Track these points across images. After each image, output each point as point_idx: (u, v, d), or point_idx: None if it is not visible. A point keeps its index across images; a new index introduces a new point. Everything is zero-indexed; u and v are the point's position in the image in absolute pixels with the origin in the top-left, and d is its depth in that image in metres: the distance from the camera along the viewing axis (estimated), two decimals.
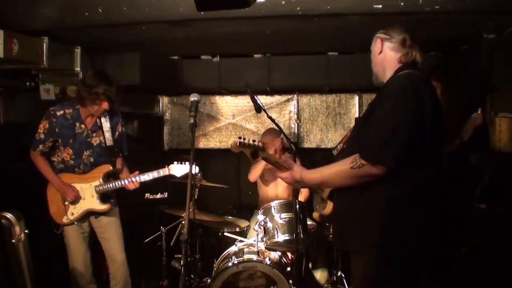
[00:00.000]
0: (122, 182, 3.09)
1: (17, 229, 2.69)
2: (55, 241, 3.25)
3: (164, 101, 4.87)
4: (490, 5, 2.61)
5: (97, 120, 3.12)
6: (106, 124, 3.13)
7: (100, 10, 2.65)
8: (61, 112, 3.04)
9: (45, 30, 3.10)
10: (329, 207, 2.18)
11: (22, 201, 3.04)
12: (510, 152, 3.41)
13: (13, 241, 2.67)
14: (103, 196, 3.13)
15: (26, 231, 2.73)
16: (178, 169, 3.14)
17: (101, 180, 3.10)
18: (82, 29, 3.08)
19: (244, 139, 2.05)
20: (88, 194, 3.10)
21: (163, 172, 3.11)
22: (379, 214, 1.85)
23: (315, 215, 2.34)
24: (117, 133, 3.23)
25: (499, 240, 3.07)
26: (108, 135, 3.12)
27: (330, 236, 3.56)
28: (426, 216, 1.88)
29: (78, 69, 3.62)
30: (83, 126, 3.08)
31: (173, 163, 3.14)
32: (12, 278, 2.69)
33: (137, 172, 3.12)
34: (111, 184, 3.09)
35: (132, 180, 3.08)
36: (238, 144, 2.03)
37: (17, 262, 2.69)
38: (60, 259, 3.28)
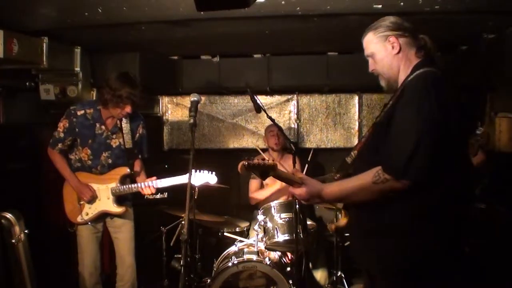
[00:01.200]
0: (139, 186, 3.06)
1: (17, 229, 2.70)
2: (55, 241, 3.25)
3: (164, 101, 4.87)
4: (490, 5, 2.61)
5: (118, 121, 3.10)
6: (126, 126, 3.10)
7: (100, 10, 2.64)
8: (82, 112, 3.02)
9: (45, 30, 3.10)
10: (343, 218, 2.08)
11: (22, 201, 3.04)
12: (510, 152, 3.41)
13: (13, 241, 2.67)
14: (119, 199, 3.11)
15: (26, 231, 2.73)
16: (196, 178, 3.06)
17: (118, 183, 3.08)
18: (82, 29, 3.07)
19: (252, 159, 1.86)
20: (104, 195, 3.08)
21: (181, 180, 3.02)
22: (404, 232, 1.68)
23: (331, 227, 2.24)
24: (137, 135, 3.21)
25: (499, 240, 3.07)
26: (127, 137, 3.10)
27: (335, 238, 3.53)
28: (458, 231, 1.71)
29: (78, 69, 3.62)
30: (103, 127, 3.06)
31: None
32: (12, 278, 2.69)
33: (154, 178, 3.09)
34: (127, 187, 3.07)
35: (149, 185, 3.05)
36: (246, 166, 1.84)
37: (17, 262, 2.69)
38: (60, 260, 3.28)
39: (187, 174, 3.02)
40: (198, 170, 3.09)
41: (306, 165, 3.85)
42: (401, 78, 1.81)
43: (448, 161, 1.64)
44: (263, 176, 1.86)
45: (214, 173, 3.13)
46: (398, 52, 1.80)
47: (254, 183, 4.02)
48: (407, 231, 1.67)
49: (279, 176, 1.92)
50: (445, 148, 1.61)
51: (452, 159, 1.66)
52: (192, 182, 3.00)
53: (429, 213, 1.66)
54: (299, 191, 1.83)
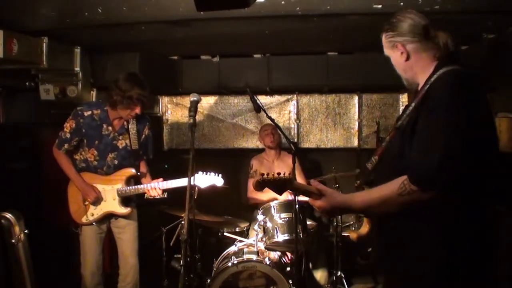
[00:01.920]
0: (145, 187, 3.05)
1: (17, 229, 2.70)
2: (55, 241, 3.25)
3: (164, 101, 4.87)
4: (490, 5, 2.61)
5: (125, 123, 3.08)
6: (133, 127, 3.09)
7: (100, 10, 2.64)
8: (89, 112, 3.00)
9: (45, 30, 3.10)
10: (365, 225, 1.99)
11: (22, 201, 3.04)
12: (510, 152, 3.40)
13: (13, 241, 2.67)
14: (125, 200, 3.10)
15: (26, 231, 2.73)
16: (202, 180, 3.05)
17: (124, 184, 3.06)
18: (82, 29, 3.08)
19: (268, 174, 1.71)
20: (109, 196, 3.07)
21: (187, 181, 3.01)
22: (430, 241, 1.56)
23: (353, 235, 2.13)
24: (143, 136, 3.20)
25: (499, 240, 3.07)
26: (134, 138, 3.09)
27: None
28: (486, 237, 1.63)
29: (77, 69, 3.62)
30: (110, 128, 3.04)
31: (197, 173, 3.01)
32: (12, 278, 2.69)
33: (161, 179, 3.08)
34: (133, 188, 3.06)
35: (155, 186, 3.04)
36: (262, 182, 1.72)
37: (17, 262, 2.69)
38: (60, 260, 3.28)
39: (194, 176, 3.03)
40: (204, 172, 3.08)
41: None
42: (421, 79, 1.70)
43: (477, 165, 1.53)
44: (280, 191, 1.75)
45: (220, 175, 3.12)
46: (407, 59, 1.70)
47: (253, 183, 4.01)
48: (434, 240, 1.56)
49: (297, 189, 1.81)
50: (474, 152, 1.50)
51: (481, 162, 1.54)
52: (199, 184, 3.00)
53: (456, 221, 1.56)
54: (319, 203, 1.71)
